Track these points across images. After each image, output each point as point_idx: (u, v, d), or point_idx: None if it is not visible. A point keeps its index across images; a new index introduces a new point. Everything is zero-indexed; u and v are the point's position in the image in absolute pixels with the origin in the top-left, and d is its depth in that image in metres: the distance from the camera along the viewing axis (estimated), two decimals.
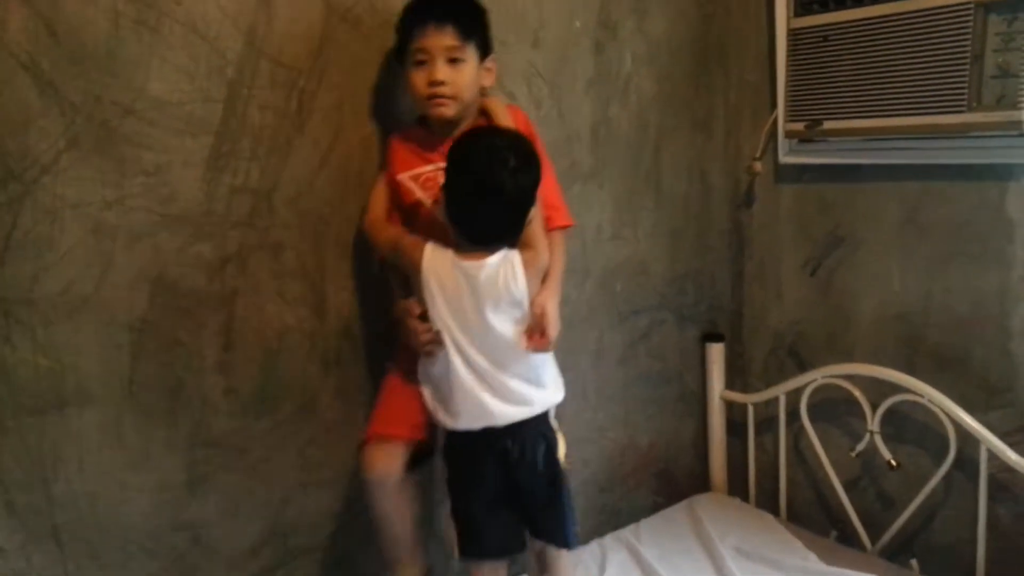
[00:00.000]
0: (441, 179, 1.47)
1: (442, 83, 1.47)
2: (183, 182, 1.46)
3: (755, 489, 2.33)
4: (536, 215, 1.48)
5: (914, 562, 1.96)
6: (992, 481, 1.84)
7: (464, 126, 1.55)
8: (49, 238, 1.34)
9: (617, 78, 2.08)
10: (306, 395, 1.64)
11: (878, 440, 2.00)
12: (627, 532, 2.13)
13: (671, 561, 1.97)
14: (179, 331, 1.49)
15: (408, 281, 1.52)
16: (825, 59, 2.01)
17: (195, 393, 1.51)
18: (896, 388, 1.94)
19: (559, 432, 1.58)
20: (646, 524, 2.17)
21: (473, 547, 1.55)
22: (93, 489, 1.42)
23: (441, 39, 1.47)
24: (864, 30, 1.92)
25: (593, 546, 2.06)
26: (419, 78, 1.49)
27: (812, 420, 2.15)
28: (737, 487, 2.40)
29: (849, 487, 2.12)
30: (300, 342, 1.62)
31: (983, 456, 1.81)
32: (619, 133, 2.10)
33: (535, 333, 1.46)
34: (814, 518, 2.24)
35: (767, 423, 2.32)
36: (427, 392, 1.53)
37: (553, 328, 1.47)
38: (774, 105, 2.20)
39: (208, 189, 1.49)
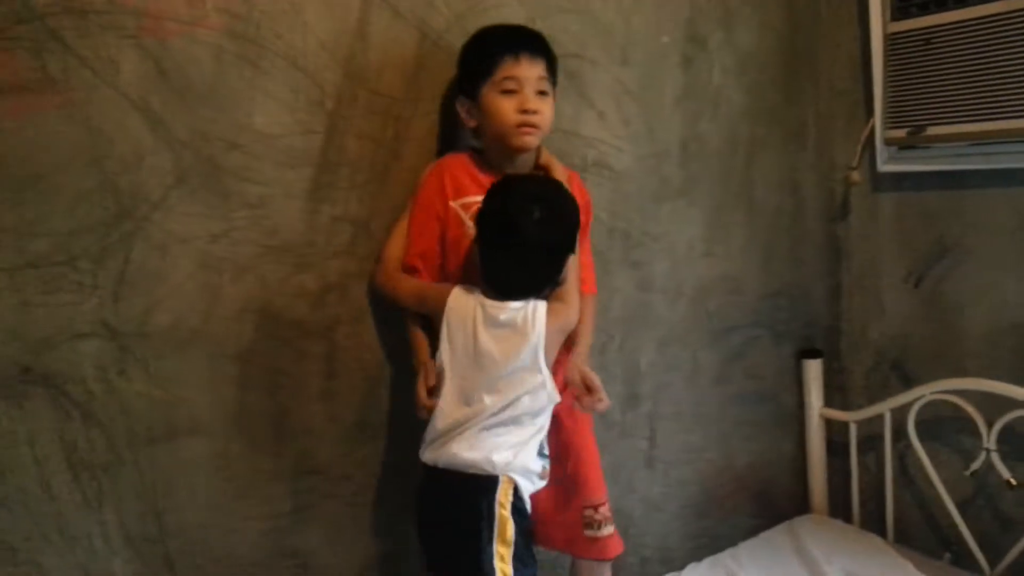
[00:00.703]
0: None
1: (536, 112, 1.47)
2: (285, 213, 1.48)
3: (859, 510, 2.24)
4: (571, 275, 1.46)
5: None
6: None
7: (520, 164, 1.54)
8: (160, 272, 1.37)
9: (706, 92, 2.04)
10: (408, 422, 1.64)
11: (995, 458, 1.91)
12: (726, 556, 2.07)
13: None
14: (283, 361, 1.50)
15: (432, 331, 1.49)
16: (927, 62, 1.94)
17: (299, 422, 1.52)
18: (1014, 403, 1.84)
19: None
20: (745, 547, 2.11)
21: None
22: (203, 518, 1.44)
23: (534, 69, 1.47)
24: (969, 31, 1.85)
25: (689, 570, 2.01)
26: (508, 105, 1.47)
27: (920, 438, 2.05)
28: (839, 508, 2.31)
29: (963, 508, 2.02)
30: (400, 369, 1.62)
31: None
32: (709, 148, 2.06)
33: (584, 396, 1.48)
34: (923, 540, 2.14)
35: (868, 441, 2.23)
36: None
37: (599, 385, 1.48)
38: (869, 112, 2.13)
39: (309, 219, 1.50)
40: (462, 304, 1.42)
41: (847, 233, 2.29)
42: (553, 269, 1.43)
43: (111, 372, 1.34)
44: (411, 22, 1.58)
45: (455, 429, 1.40)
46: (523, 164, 1.55)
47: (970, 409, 1.94)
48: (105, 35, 1.30)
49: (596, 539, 1.59)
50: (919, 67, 1.97)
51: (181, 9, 1.36)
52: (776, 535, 2.16)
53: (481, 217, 1.42)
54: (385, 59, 1.56)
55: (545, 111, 1.49)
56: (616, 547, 1.61)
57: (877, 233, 2.21)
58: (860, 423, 2.21)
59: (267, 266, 1.47)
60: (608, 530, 1.60)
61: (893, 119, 2.05)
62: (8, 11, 1.22)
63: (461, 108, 1.53)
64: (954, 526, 2.01)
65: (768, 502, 2.29)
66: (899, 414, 2.10)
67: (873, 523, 2.21)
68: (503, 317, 1.39)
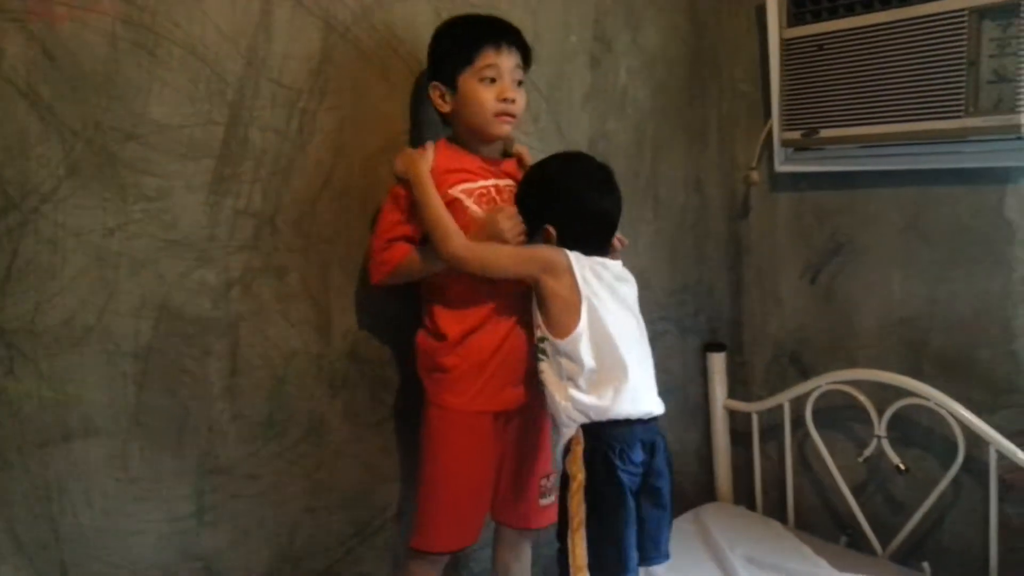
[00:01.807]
0: (500, 196, 1.56)
1: (514, 100, 1.52)
2: (185, 207, 1.44)
3: (761, 497, 2.33)
4: None
5: (926, 565, 1.96)
6: (1001, 482, 1.84)
7: (491, 150, 1.61)
8: (51, 267, 1.32)
9: (613, 92, 2.08)
10: (314, 419, 1.62)
11: (885, 445, 2.00)
12: None
13: (682, 571, 1.94)
14: (184, 358, 1.46)
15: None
16: (820, 68, 2.03)
17: (202, 421, 1.48)
18: (902, 392, 1.94)
19: None
20: None
21: (610, 565, 1.41)
22: (101, 523, 1.39)
23: (512, 59, 1.53)
24: (859, 38, 1.94)
25: None
26: (488, 93, 1.51)
27: (817, 427, 2.14)
28: (743, 496, 2.39)
29: (857, 492, 2.12)
30: (306, 366, 1.60)
31: (992, 457, 1.82)
32: (617, 146, 2.10)
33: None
34: (822, 524, 2.23)
35: (771, 431, 2.32)
36: (572, 396, 1.42)
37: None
38: (768, 114, 2.21)
39: (211, 213, 1.47)
40: (583, 264, 1.47)
41: (748, 231, 2.37)
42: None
43: None
44: (316, 14, 1.56)
45: (644, 387, 1.48)
46: (494, 150, 1.61)
47: (862, 398, 2.03)
48: None
49: (546, 507, 1.66)
50: (813, 72, 2.06)
51: None
52: (682, 523, 2.21)
53: (590, 194, 1.50)
54: (289, 50, 1.53)
55: (520, 100, 1.55)
56: (555, 511, 1.58)
57: (775, 231, 2.30)
58: (761, 413, 2.29)
59: (166, 261, 1.42)
60: (553, 497, 1.63)
61: (789, 121, 2.14)
62: None
63: (434, 93, 1.55)
64: (850, 510, 2.11)
65: (676, 491, 2.33)
66: (797, 404, 2.18)
67: (775, 509, 2.30)
68: (620, 271, 1.56)
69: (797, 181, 2.22)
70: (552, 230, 1.49)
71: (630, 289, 1.57)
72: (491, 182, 1.57)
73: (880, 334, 2.09)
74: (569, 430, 1.44)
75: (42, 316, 1.31)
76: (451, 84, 1.53)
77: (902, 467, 1.98)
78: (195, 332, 1.47)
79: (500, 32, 1.53)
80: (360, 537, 1.71)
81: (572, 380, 1.43)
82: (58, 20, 1.30)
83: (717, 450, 2.38)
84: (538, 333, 1.48)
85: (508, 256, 1.47)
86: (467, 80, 1.51)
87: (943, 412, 1.88)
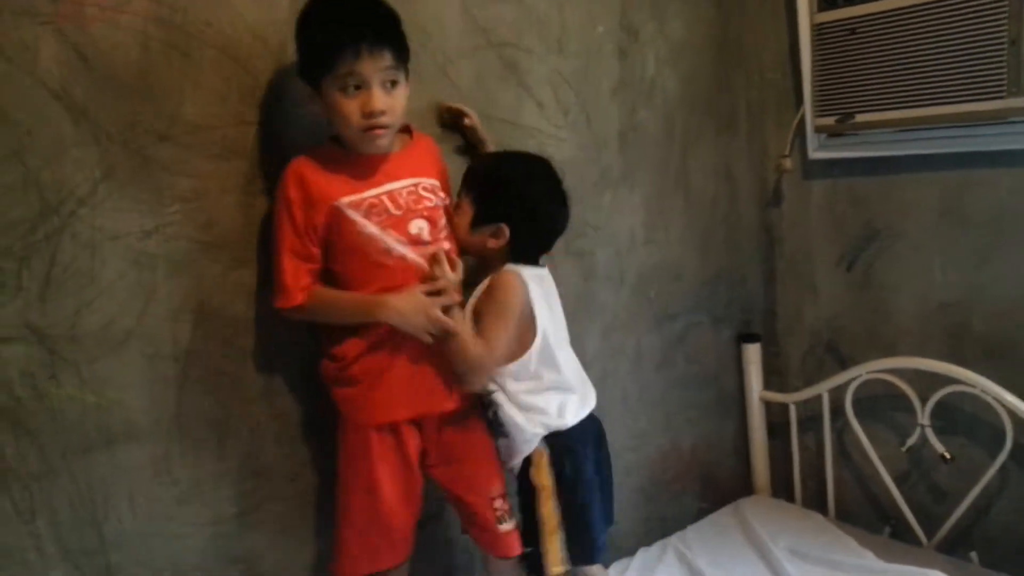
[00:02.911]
0: (394, 204, 1.39)
1: (383, 113, 1.32)
2: (221, 208, 1.43)
3: (800, 489, 2.30)
4: None
5: (974, 555, 1.93)
6: None
7: (400, 144, 1.46)
8: (89, 272, 1.31)
9: (642, 81, 2.06)
10: None
11: (929, 433, 1.97)
12: (674, 539, 2.10)
13: (724, 566, 1.94)
14: (223, 360, 1.45)
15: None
16: (854, 52, 1.99)
17: (242, 422, 1.48)
18: (946, 380, 1.91)
19: None
20: (693, 530, 2.14)
21: (587, 550, 1.53)
22: (145, 527, 1.38)
23: (378, 62, 1.30)
24: (894, 20, 1.90)
25: (640, 555, 2.03)
26: (351, 106, 1.31)
27: (857, 416, 2.11)
28: (781, 488, 2.36)
29: (900, 482, 2.08)
30: None
31: None
32: (646, 137, 2.08)
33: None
34: (864, 515, 2.20)
35: (807, 422, 2.29)
36: (525, 416, 1.49)
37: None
38: (799, 101, 2.18)
39: (246, 213, 1.45)
40: (536, 283, 1.50)
41: (780, 219, 2.33)
42: None
43: (40, 377, 1.27)
44: None
45: (580, 383, 1.57)
46: (396, 146, 1.44)
47: (904, 387, 2.00)
48: (19, 20, 1.23)
49: (507, 534, 1.54)
50: (846, 56, 2.02)
51: None
52: (722, 517, 2.20)
53: (545, 194, 1.51)
54: None
55: (395, 105, 1.34)
56: (517, 537, 1.55)
57: (809, 219, 2.26)
58: (798, 404, 2.26)
59: (203, 262, 1.41)
60: (512, 523, 1.55)
61: (822, 107, 2.10)
62: None
63: (304, 92, 1.39)
64: (892, 500, 2.08)
65: (713, 484, 2.33)
66: (836, 394, 2.15)
67: (814, 501, 2.27)
68: (544, 276, 1.56)
69: (831, 168, 2.18)
70: (506, 230, 1.48)
71: (554, 290, 1.59)
72: (382, 189, 1.39)
73: (920, 321, 2.05)
74: (529, 445, 1.49)
75: (82, 321, 1.31)
76: (316, 88, 1.34)
77: (947, 456, 1.94)
78: (233, 333, 1.46)
79: (360, 31, 1.29)
80: None
81: (523, 396, 1.48)
82: (90, 22, 1.29)
83: (753, 442, 2.35)
84: None
85: (504, 335, 1.45)
86: (330, 89, 1.31)
87: (989, 399, 1.84)
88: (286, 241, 1.38)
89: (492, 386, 1.49)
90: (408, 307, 1.37)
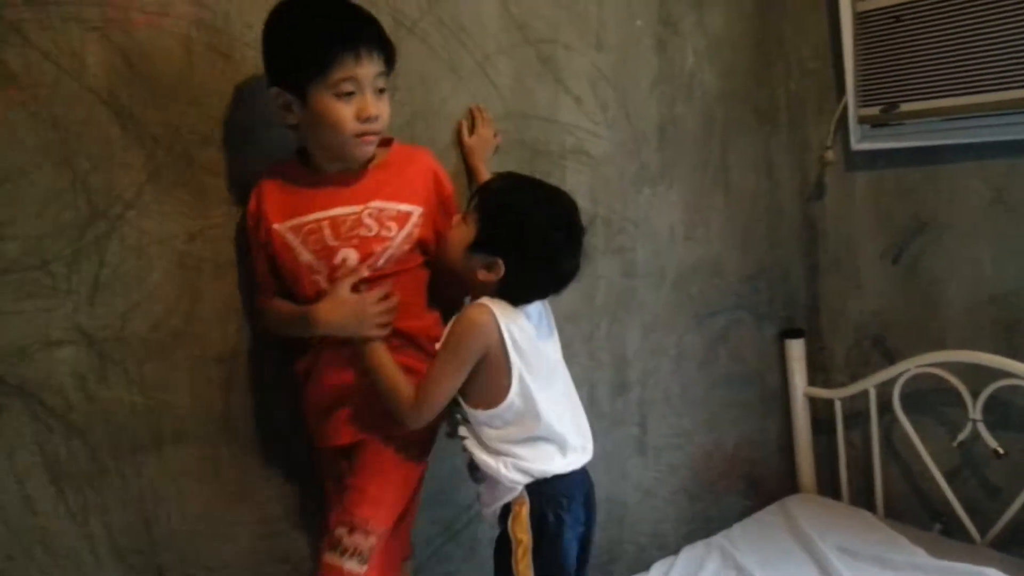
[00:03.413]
0: (335, 232, 1.30)
1: (377, 117, 1.28)
2: None
3: (847, 487, 2.25)
4: None
5: None
6: None
7: (372, 161, 1.37)
8: (137, 274, 1.32)
9: (681, 76, 2.03)
10: None
11: (981, 428, 1.92)
12: (720, 538, 2.06)
13: (772, 564, 1.90)
14: (270, 361, 1.45)
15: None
16: (898, 40, 1.95)
17: (288, 423, 1.48)
18: (998, 373, 1.86)
19: None
20: (739, 528, 2.11)
21: None
22: (194, 527, 1.39)
23: (373, 67, 1.27)
24: (940, 6, 1.86)
25: (685, 554, 2.00)
26: (347, 112, 1.26)
27: (905, 412, 2.06)
28: (827, 486, 2.32)
29: (950, 478, 2.03)
30: None
31: None
32: (686, 132, 2.05)
33: None
34: (913, 513, 2.15)
35: (853, 418, 2.24)
36: (504, 461, 1.31)
37: None
38: (841, 91, 2.14)
39: None
40: (510, 322, 1.29)
41: (823, 212, 2.29)
42: None
43: (90, 380, 1.28)
44: (384, 10, 1.54)
45: (574, 431, 1.38)
46: (370, 155, 1.36)
47: (955, 381, 1.95)
48: (68, 27, 1.24)
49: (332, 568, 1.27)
50: (890, 45, 1.98)
51: None
52: (768, 515, 2.16)
53: (556, 233, 1.30)
54: None
55: (385, 112, 1.31)
56: None
57: (853, 211, 2.22)
58: (844, 400, 2.22)
59: (248, 264, 1.42)
60: (355, 563, 1.26)
61: (865, 97, 2.07)
62: None
63: (278, 101, 1.29)
64: (943, 497, 2.03)
65: (758, 483, 2.29)
66: (883, 389, 2.11)
67: (862, 499, 2.22)
68: (535, 314, 1.36)
69: (875, 159, 2.14)
70: (501, 267, 1.28)
71: (548, 322, 1.41)
72: (327, 213, 1.31)
73: (970, 313, 2.00)
74: (511, 493, 1.31)
75: (130, 323, 1.32)
76: (300, 95, 1.27)
77: (1000, 451, 1.89)
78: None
79: (359, 35, 1.26)
80: (446, 536, 1.69)
81: (502, 443, 1.31)
82: (134, 26, 1.30)
83: (798, 440, 2.31)
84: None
85: (448, 377, 1.28)
86: (320, 95, 1.25)
87: None
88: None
89: (462, 431, 1.35)
90: (335, 313, 1.28)
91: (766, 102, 2.24)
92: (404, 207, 1.35)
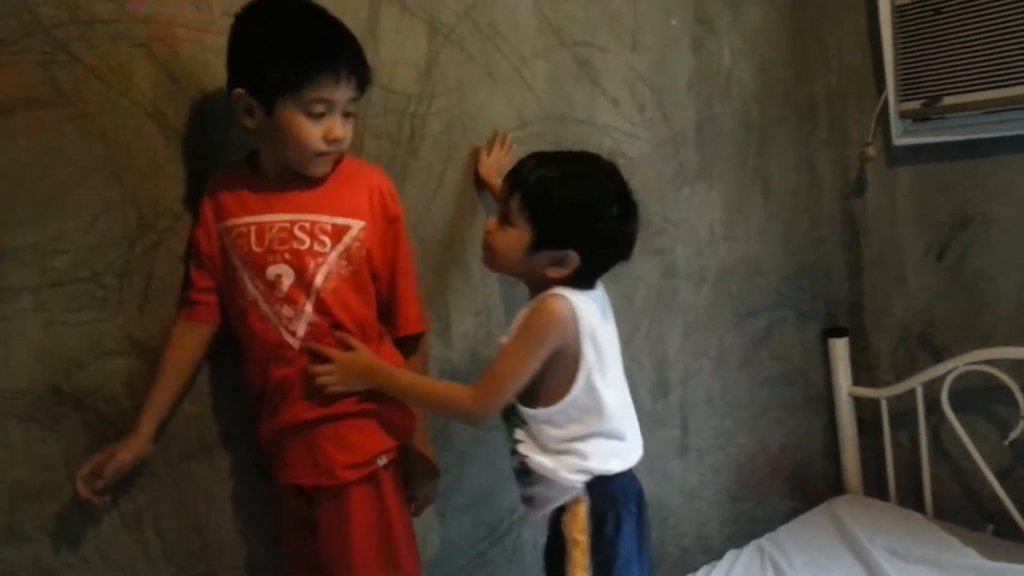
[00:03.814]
0: (256, 239, 1.25)
1: (342, 140, 1.25)
2: None
3: (895, 487, 2.22)
4: None
5: None
6: None
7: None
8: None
9: (718, 74, 2.02)
10: (438, 422, 1.61)
11: None
12: (765, 540, 2.05)
13: (819, 567, 1.89)
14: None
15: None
16: (939, 32, 1.92)
17: None
18: None
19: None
20: (785, 531, 2.09)
21: None
22: (244, 532, 1.41)
23: (346, 91, 1.24)
24: None
25: (730, 556, 1.99)
26: (314, 131, 1.22)
27: (953, 411, 2.02)
28: (874, 487, 2.29)
29: (1002, 477, 1.99)
30: (428, 370, 1.59)
31: None
32: (724, 130, 2.04)
33: None
34: (964, 513, 2.11)
35: (899, 418, 2.21)
36: (589, 448, 1.26)
37: None
38: (881, 86, 2.11)
39: None
40: (585, 309, 1.24)
41: (864, 209, 2.26)
42: None
43: (141, 389, 1.30)
44: (420, 17, 1.56)
45: (631, 429, 1.33)
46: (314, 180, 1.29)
47: (1005, 378, 1.91)
48: (115, 44, 1.27)
49: None
50: (931, 37, 1.95)
51: (189, 15, 1.33)
52: (815, 517, 2.14)
53: (620, 213, 1.26)
54: (397, 55, 1.53)
55: (349, 136, 1.27)
56: None
57: (895, 207, 2.19)
58: (890, 399, 2.18)
59: None
60: None
61: (906, 91, 2.03)
62: (14, 24, 1.19)
63: (238, 105, 1.23)
64: (995, 497, 1.99)
65: (802, 484, 2.27)
66: (931, 388, 2.07)
67: (910, 500, 2.19)
68: (603, 299, 1.32)
69: (917, 153, 2.11)
70: (575, 258, 1.24)
71: (610, 313, 1.34)
72: (257, 218, 1.26)
73: (1019, 309, 1.96)
74: (568, 494, 1.26)
75: None
76: (266, 103, 1.21)
77: None
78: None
79: (342, 57, 1.22)
80: (490, 540, 1.70)
81: (563, 442, 1.26)
82: (179, 43, 1.32)
83: (844, 440, 2.28)
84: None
85: (522, 369, 1.22)
86: (289, 109, 1.20)
87: None
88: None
89: (518, 433, 1.28)
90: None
91: (805, 99, 2.22)
92: (340, 220, 1.28)
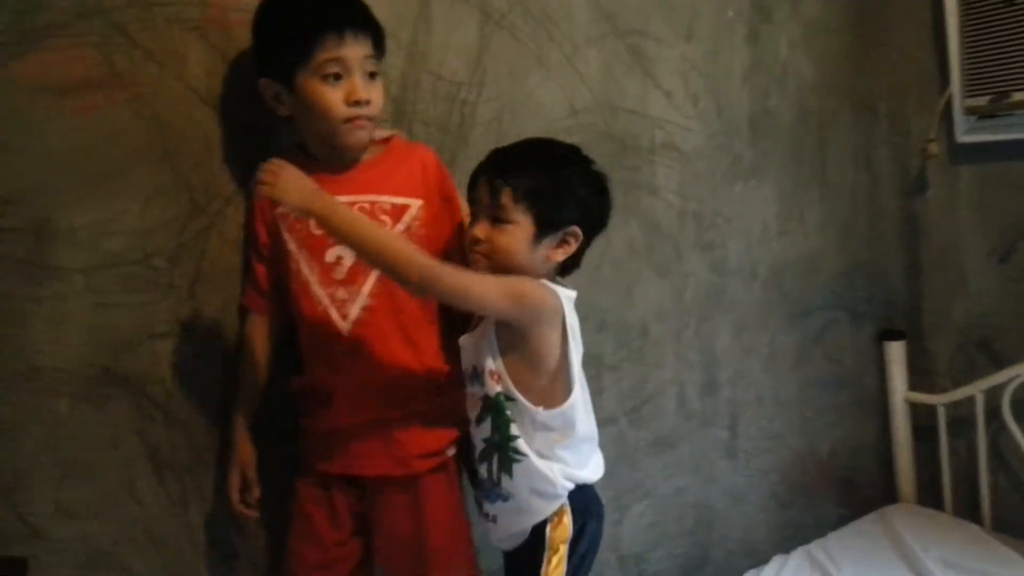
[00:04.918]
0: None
1: (368, 102, 1.21)
2: None
3: (950, 497, 2.14)
4: None
5: None
6: None
7: (370, 154, 1.29)
8: (235, 269, 1.34)
9: (774, 66, 1.97)
10: None
11: None
12: (814, 547, 1.99)
13: (871, 575, 1.82)
14: None
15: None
16: (1008, 25, 1.86)
17: None
18: None
19: None
20: (835, 538, 2.03)
21: None
22: (283, 517, 1.40)
23: (361, 48, 1.20)
24: None
25: (776, 562, 1.94)
26: (334, 96, 1.19)
27: (1016, 419, 1.95)
28: (928, 496, 2.21)
29: None
30: None
31: None
32: (780, 124, 1.99)
33: None
34: (1023, 526, 2.03)
35: (956, 425, 2.13)
36: (574, 455, 1.24)
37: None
38: (945, 81, 2.05)
39: None
40: (568, 302, 1.23)
41: (925, 208, 2.19)
42: None
43: (190, 371, 1.31)
44: (473, 3, 1.54)
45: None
46: (353, 154, 1.28)
47: None
48: (170, 27, 1.27)
49: None
50: (1000, 30, 1.88)
51: None
52: (866, 525, 2.08)
53: (604, 200, 1.26)
54: (448, 42, 1.52)
55: (377, 97, 1.23)
56: None
57: (957, 207, 2.11)
58: (947, 406, 2.11)
59: None
60: None
61: (972, 86, 1.96)
62: (73, 5, 1.20)
63: (267, 92, 1.24)
64: None
65: (853, 491, 2.20)
66: (991, 395, 2.00)
67: (966, 510, 2.11)
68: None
69: (982, 151, 2.03)
70: (579, 232, 1.22)
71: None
72: (347, 198, 1.23)
73: None
74: (552, 504, 1.23)
75: (227, 317, 1.34)
76: (287, 83, 1.21)
77: None
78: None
79: (342, 14, 1.20)
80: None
81: (555, 446, 1.22)
82: (233, 25, 1.32)
83: (897, 447, 2.21)
84: (498, 389, 1.20)
85: (493, 284, 1.17)
86: (306, 80, 1.19)
87: None
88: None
89: (514, 429, 1.21)
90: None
91: (865, 92, 2.15)
92: (400, 200, 1.26)
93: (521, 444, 1.21)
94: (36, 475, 1.20)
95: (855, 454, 2.20)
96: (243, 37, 1.32)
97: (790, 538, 2.05)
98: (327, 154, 1.27)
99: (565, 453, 1.23)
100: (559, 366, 1.21)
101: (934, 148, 2.08)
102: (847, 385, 2.17)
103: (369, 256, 1.15)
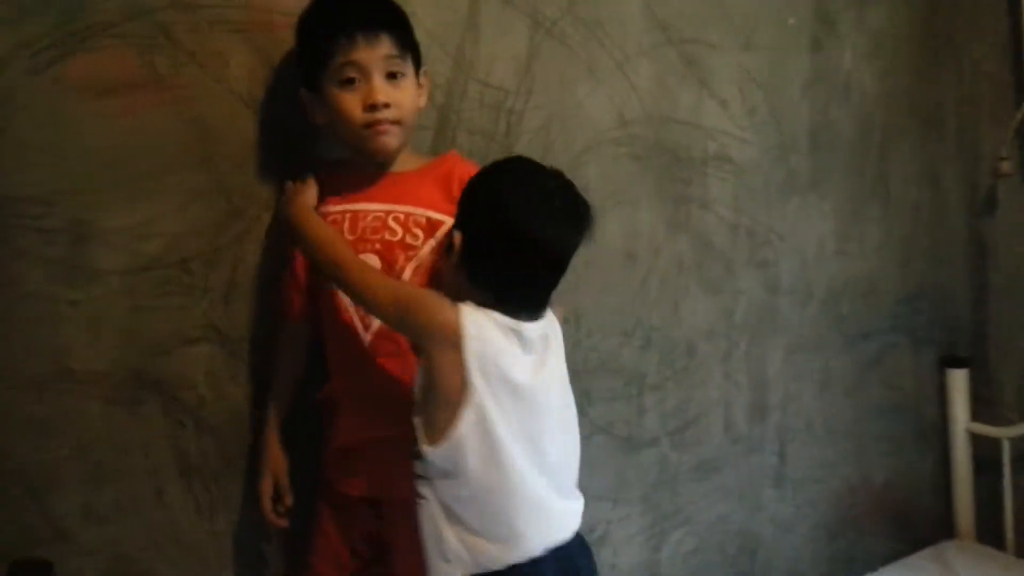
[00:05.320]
0: (349, 227, 1.20)
1: (386, 105, 1.16)
2: None
3: (1012, 536, 2.03)
4: None
5: None
6: None
7: (404, 159, 1.26)
8: (271, 275, 1.32)
9: (837, 77, 1.89)
10: None
11: None
12: None
13: None
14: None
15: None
16: None
17: None
18: None
19: None
20: (887, 573, 1.95)
21: None
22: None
23: (377, 49, 1.16)
24: None
25: None
26: (352, 101, 1.16)
27: None
28: (988, 533, 2.10)
29: None
30: None
31: None
32: (840, 138, 1.91)
33: None
34: None
35: (1022, 461, 2.02)
36: (454, 532, 1.02)
37: None
38: (1020, 95, 1.95)
39: None
40: (485, 331, 1.02)
41: (994, 229, 2.09)
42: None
43: (221, 377, 1.29)
44: (523, 10, 1.50)
45: (542, 485, 1.05)
46: (401, 165, 1.25)
47: None
48: (213, 29, 1.25)
49: None
50: None
51: (289, 1, 1.30)
52: (920, 561, 1.98)
53: (507, 226, 1.04)
54: (496, 50, 1.48)
55: (402, 99, 1.18)
56: None
57: None
58: (1013, 440, 1.99)
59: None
60: None
61: None
62: (119, 6, 1.19)
63: (304, 102, 1.24)
64: None
65: (907, 524, 2.10)
66: None
67: None
68: (534, 335, 1.07)
69: None
70: (458, 238, 1.06)
71: (555, 353, 1.10)
72: (350, 207, 1.23)
73: None
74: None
75: (263, 324, 1.32)
76: (317, 91, 1.20)
77: None
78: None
79: (354, 15, 1.16)
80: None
81: (455, 501, 1.01)
82: (277, 28, 1.30)
83: (957, 480, 2.11)
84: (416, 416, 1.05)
85: (391, 286, 1.09)
86: (328, 87, 1.17)
87: None
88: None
89: (418, 467, 1.04)
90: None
91: (932, 106, 2.06)
92: (435, 215, 1.22)
93: (422, 483, 1.04)
94: (65, 477, 1.19)
95: (911, 486, 2.10)
96: (286, 40, 1.30)
97: (839, 572, 1.97)
98: (361, 162, 1.25)
99: (465, 511, 1.00)
100: (445, 396, 1.01)
101: (1007, 167, 1.98)
102: (905, 413, 2.08)
103: (343, 273, 1.13)
